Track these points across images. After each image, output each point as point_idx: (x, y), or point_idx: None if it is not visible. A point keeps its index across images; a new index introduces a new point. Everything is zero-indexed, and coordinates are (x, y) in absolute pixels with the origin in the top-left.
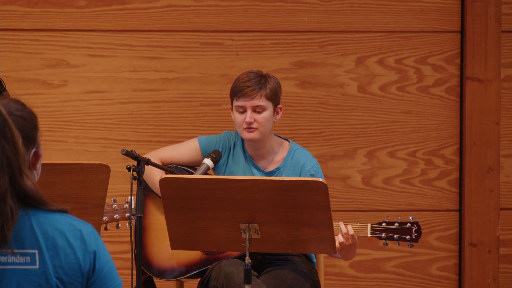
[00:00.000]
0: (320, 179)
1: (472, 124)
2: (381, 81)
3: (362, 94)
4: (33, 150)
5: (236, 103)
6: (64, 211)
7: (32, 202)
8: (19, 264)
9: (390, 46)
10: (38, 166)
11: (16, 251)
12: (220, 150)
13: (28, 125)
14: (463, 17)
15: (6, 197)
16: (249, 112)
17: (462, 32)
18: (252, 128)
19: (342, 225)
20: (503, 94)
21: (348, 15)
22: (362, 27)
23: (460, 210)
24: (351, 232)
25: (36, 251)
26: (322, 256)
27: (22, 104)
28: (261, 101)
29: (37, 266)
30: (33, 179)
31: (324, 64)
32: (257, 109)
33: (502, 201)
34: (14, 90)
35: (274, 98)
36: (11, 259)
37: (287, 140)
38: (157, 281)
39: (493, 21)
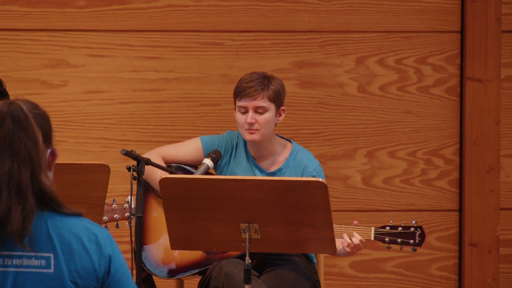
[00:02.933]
0: (320, 179)
1: (472, 124)
2: (381, 81)
3: (362, 94)
4: (50, 150)
5: (238, 103)
6: (79, 215)
7: (49, 202)
8: (34, 267)
9: (390, 46)
10: (52, 167)
11: (31, 253)
12: (223, 150)
13: (46, 123)
14: (463, 17)
15: (27, 193)
16: (250, 112)
17: (462, 32)
18: (253, 129)
19: (346, 238)
20: (503, 94)
21: (348, 15)
22: (362, 27)
23: (460, 210)
24: (356, 242)
25: (51, 255)
26: (322, 256)
27: (37, 104)
28: (263, 102)
29: (52, 270)
30: (50, 178)
31: (324, 64)
32: (258, 110)
33: (502, 201)
34: (14, 90)
35: (277, 99)
36: (26, 262)
37: (289, 141)
38: (157, 280)
39: (493, 21)
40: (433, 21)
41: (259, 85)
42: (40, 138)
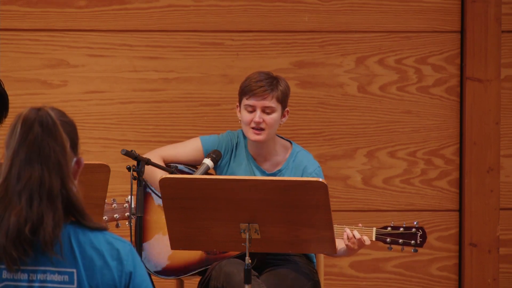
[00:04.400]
0: (320, 179)
1: (472, 124)
2: (381, 81)
3: (362, 94)
4: (75, 158)
5: (246, 101)
6: (102, 229)
7: (74, 212)
8: (58, 282)
9: (390, 46)
10: (78, 176)
11: (55, 269)
12: (223, 150)
13: (73, 131)
14: (463, 17)
15: (58, 200)
16: (258, 112)
17: (462, 32)
18: (260, 129)
19: (348, 231)
20: (503, 94)
21: (348, 15)
22: (362, 27)
23: (460, 210)
24: (358, 236)
25: (74, 270)
26: (322, 256)
27: (64, 112)
28: (272, 103)
29: (75, 286)
30: (76, 186)
31: (324, 64)
32: (266, 110)
33: (502, 201)
34: (14, 90)
35: (284, 100)
36: (50, 277)
37: (289, 141)
38: (157, 280)
39: (493, 21)
40: (433, 21)
41: (268, 85)
42: (68, 145)
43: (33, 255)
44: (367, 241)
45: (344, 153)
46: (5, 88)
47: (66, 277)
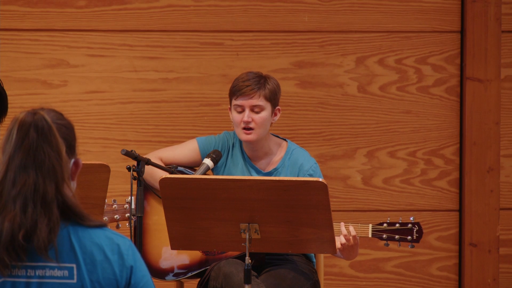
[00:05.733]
0: (320, 179)
1: (472, 124)
2: (381, 81)
3: (362, 94)
4: (73, 160)
5: (234, 102)
6: (102, 226)
7: (71, 215)
8: (57, 278)
9: (390, 46)
10: (76, 177)
11: (54, 264)
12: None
13: (70, 134)
14: (463, 17)
15: (53, 205)
16: (247, 111)
17: (462, 32)
18: (250, 129)
19: (343, 227)
20: (503, 94)
21: (348, 15)
22: (362, 27)
23: (460, 210)
24: (353, 233)
25: (74, 265)
26: (322, 256)
27: (61, 114)
28: (260, 101)
29: (74, 281)
30: (73, 189)
31: (324, 64)
32: (255, 109)
33: (502, 201)
34: (14, 90)
35: (273, 99)
36: (49, 272)
37: (284, 139)
38: (157, 282)
39: (493, 21)
40: (433, 21)
41: (255, 84)
42: (63, 150)
43: (26, 259)
44: (353, 232)
45: (344, 153)
46: (5, 88)
47: (66, 272)
